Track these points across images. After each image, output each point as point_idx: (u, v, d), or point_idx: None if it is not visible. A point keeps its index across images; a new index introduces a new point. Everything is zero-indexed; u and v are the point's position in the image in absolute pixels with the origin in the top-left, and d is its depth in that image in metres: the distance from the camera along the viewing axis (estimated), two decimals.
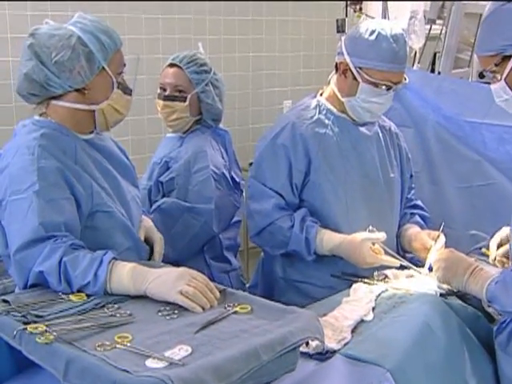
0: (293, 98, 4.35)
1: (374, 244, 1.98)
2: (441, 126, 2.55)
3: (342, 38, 2.11)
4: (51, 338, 1.25)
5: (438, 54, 3.66)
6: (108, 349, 1.24)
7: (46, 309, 1.39)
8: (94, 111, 1.71)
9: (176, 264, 1.66)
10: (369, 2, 3.97)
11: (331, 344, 1.50)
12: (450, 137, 2.53)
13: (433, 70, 3.74)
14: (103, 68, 1.68)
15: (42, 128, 1.65)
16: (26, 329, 1.28)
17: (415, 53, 3.52)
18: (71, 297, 1.46)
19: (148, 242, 1.88)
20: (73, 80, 1.65)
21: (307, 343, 1.46)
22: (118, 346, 1.25)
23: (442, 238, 2.04)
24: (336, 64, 2.09)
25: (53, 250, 1.48)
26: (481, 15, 3.27)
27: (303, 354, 1.45)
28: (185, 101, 2.32)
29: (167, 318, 1.39)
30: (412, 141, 2.52)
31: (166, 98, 2.34)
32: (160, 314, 1.40)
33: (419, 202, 2.34)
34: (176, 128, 2.39)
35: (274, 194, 2.08)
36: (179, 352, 1.22)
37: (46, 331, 1.27)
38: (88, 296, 1.47)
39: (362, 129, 2.16)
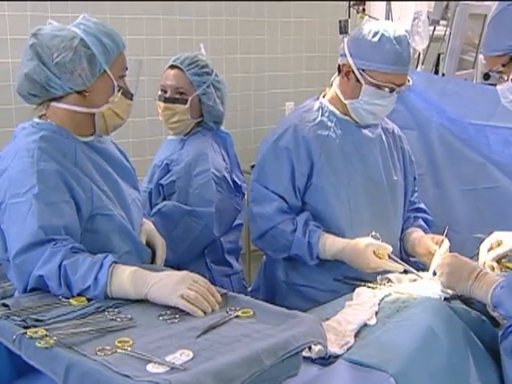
0: (295, 100, 4.33)
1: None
2: (445, 129, 2.54)
3: (345, 40, 2.10)
4: (51, 342, 1.24)
5: (441, 56, 3.65)
6: (108, 353, 1.23)
7: (46, 313, 1.38)
8: (94, 114, 1.70)
9: (177, 268, 1.65)
10: (372, 3, 3.95)
11: (334, 349, 1.49)
12: (454, 139, 2.52)
13: (437, 72, 3.72)
14: (105, 71, 1.67)
15: (41, 130, 1.64)
16: (25, 333, 1.27)
17: (419, 54, 3.51)
18: (71, 301, 1.45)
19: (149, 245, 1.86)
20: (74, 82, 1.65)
21: (310, 348, 1.45)
22: (118, 350, 1.24)
23: (446, 243, 2.03)
24: (339, 66, 2.08)
25: (53, 254, 1.47)
26: (485, 16, 3.27)
27: (306, 358, 1.44)
28: (186, 103, 2.31)
29: (168, 322, 1.38)
30: (416, 143, 2.51)
31: (167, 100, 2.33)
32: (161, 318, 1.39)
33: (422, 205, 2.33)
34: (177, 130, 2.38)
35: (277, 198, 2.07)
36: (180, 357, 1.21)
37: (46, 335, 1.26)
38: (88, 300, 1.46)
39: (365, 131, 2.15)
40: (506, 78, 1.67)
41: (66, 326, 1.32)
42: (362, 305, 1.71)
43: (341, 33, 3.72)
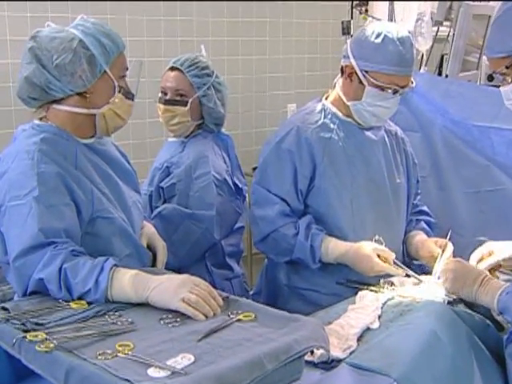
0: (297, 102, 4.32)
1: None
2: (448, 131, 2.53)
3: (348, 41, 2.09)
4: (51, 346, 1.23)
5: (445, 57, 3.63)
6: (109, 357, 1.22)
7: (46, 316, 1.37)
8: (94, 115, 1.69)
9: (177, 271, 1.65)
10: (375, 3, 3.94)
11: (336, 353, 1.49)
12: (458, 141, 2.51)
13: (440, 73, 3.71)
14: (105, 72, 1.66)
15: (41, 132, 1.64)
16: (25, 337, 1.27)
17: (422, 55, 3.49)
18: (72, 304, 1.44)
19: (150, 248, 1.86)
20: (74, 84, 1.64)
21: (312, 352, 1.44)
22: (119, 354, 1.23)
23: (450, 247, 2.02)
24: (341, 67, 2.08)
25: (53, 257, 1.46)
26: (489, 17, 3.25)
27: (308, 362, 1.43)
28: (186, 105, 2.30)
29: (169, 326, 1.37)
30: (419, 145, 2.50)
31: (167, 102, 2.32)
32: (162, 321, 1.39)
33: (425, 208, 2.32)
34: (177, 133, 2.37)
35: (279, 200, 2.06)
36: (182, 361, 1.21)
37: (46, 339, 1.25)
38: (89, 303, 1.45)
39: (368, 133, 2.14)
40: (509, 80, 1.66)
41: (67, 329, 1.31)
42: (364, 308, 1.70)
43: (343, 34, 3.71)
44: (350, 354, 1.50)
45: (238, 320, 1.40)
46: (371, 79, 1.99)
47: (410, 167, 2.25)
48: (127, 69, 1.73)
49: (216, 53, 4.00)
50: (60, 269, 1.45)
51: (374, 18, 3.55)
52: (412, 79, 2.05)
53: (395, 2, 3.41)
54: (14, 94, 1.70)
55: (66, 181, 1.58)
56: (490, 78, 1.68)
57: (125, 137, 3.58)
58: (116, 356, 1.22)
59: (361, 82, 2.01)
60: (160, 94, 2.36)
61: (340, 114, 2.12)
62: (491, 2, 3.35)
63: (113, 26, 1.73)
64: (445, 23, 3.51)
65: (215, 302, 1.44)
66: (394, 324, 1.62)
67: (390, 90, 2.00)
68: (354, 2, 3.72)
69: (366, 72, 2.00)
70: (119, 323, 1.37)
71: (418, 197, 2.31)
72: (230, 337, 1.31)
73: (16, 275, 1.52)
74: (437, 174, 2.54)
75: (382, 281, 1.89)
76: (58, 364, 1.20)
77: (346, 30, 3.69)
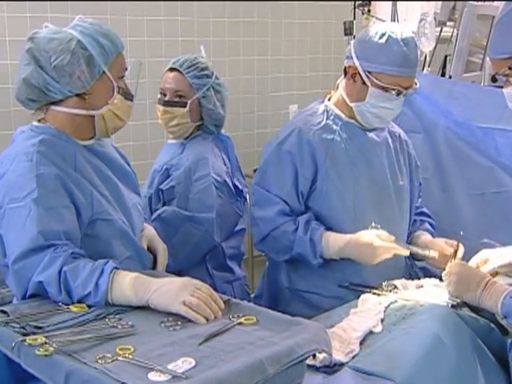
0: (299, 103, 4.31)
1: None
2: (452, 132, 2.52)
3: (351, 42, 2.09)
4: (51, 349, 1.23)
5: (448, 58, 3.62)
6: (109, 361, 1.21)
7: (46, 320, 1.37)
8: (93, 117, 1.69)
9: (178, 274, 1.64)
10: (377, 3, 3.93)
11: (339, 356, 1.48)
12: (462, 143, 2.49)
13: (443, 74, 3.70)
14: (104, 72, 1.65)
15: (40, 134, 1.63)
16: (24, 340, 1.26)
17: (425, 56, 3.48)
18: (71, 307, 1.44)
19: (150, 250, 1.85)
20: (73, 85, 1.63)
21: (314, 356, 1.44)
22: (119, 358, 1.23)
23: (462, 248, 2.00)
24: (345, 68, 2.07)
25: (52, 260, 1.46)
26: (493, 17, 3.24)
27: (310, 366, 1.43)
28: (185, 106, 2.29)
29: (170, 329, 1.36)
30: (422, 147, 2.49)
31: (166, 104, 2.31)
32: (163, 325, 1.38)
33: (425, 210, 2.31)
34: (176, 134, 2.36)
35: (279, 201, 2.04)
36: (183, 364, 1.20)
37: (45, 343, 1.25)
38: (89, 307, 1.44)
39: (371, 134, 2.13)
40: None
41: (66, 333, 1.31)
42: (367, 312, 1.70)
43: (345, 34, 3.70)
44: (353, 357, 1.50)
45: (240, 323, 1.39)
46: (375, 80, 1.98)
47: (412, 169, 2.23)
48: (126, 69, 1.72)
49: (217, 53, 3.99)
50: (60, 271, 1.44)
51: (377, 18, 3.54)
52: (416, 80, 2.04)
53: (398, 2, 3.41)
54: (13, 95, 1.69)
55: (65, 183, 1.57)
56: (494, 79, 1.66)
57: (125, 138, 3.57)
58: (116, 360, 1.22)
59: (364, 82, 2.00)
60: (159, 96, 2.35)
61: (343, 116, 2.11)
62: (495, 2, 3.35)
63: (113, 26, 1.72)
64: (448, 23, 3.50)
65: (216, 305, 1.43)
66: (396, 328, 1.61)
67: (393, 92, 1.99)
68: (357, 2, 3.71)
69: (370, 73, 1.99)
70: (119, 326, 1.36)
71: (420, 199, 2.30)
72: (232, 340, 1.31)
73: (15, 278, 1.51)
74: (440, 176, 2.53)
75: (384, 284, 1.89)
76: (58, 368, 1.20)
77: (348, 31, 3.69)
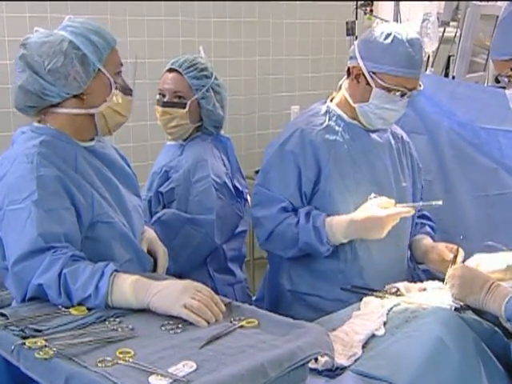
0: (301, 103, 4.30)
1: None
2: (455, 133, 2.50)
3: (355, 42, 2.07)
4: (51, 353, 1.22)
5: (452, 58, 3.60)
6: (109, 365, 1.21)
7: (46, 323, 1.36)
8: (93, 115, 1.68)
9: (179, 277, 1.64)
10: (380, 3, 3.92)
11: (341, 360, 1.48)
12: (465, 144, 2.48)
13: (447, 75, 3.68)
14: (99, 70, 1.64)
15: (41, 135, 1.62)
16: (24, 343, 1.25)
17: (428, 56, 3.46)
18: (71, 310, 1.43)
19: (151, 253, 1.84)
20: (69, 86, 1.62)
21: (316, 359, 1.43)
22: (119, 361, 1.22)
23: (462, 252, 1.99)
24: (348, 68, 2.06)
25: (52, 262, 1.45)
26: (497, 17, 3.21)
27: (312, 370, 1.43)
28: (184, 107, 2.28)
29: (171, 332, 1.36)
30: (425, 148, 2.48)
31: (165, 105, 2.30)
32: (163, 328, 1.37)
33: (426, 212, 2.30)
34: (175, 135, 2.34)
35: (283, 199, 2.03)
36: (183, 368, 1.20)
37: (45, 346, 1.24)
38: (89, 309, 1.44)
39: (374, 136, 2.12)
40: None
41: (66, 336, 1.30)
42: (369, 315, 1.68)
43: (348, 34, 3.70)
44: (355, 361, 1.49)
45: (241, 326, 1.38)
46: (379, 81, 1.97)
47: (415, 171, 2.22)
48: (122, 64, 1.70)
49: (218, 54, 3.99)
50: (60, 274, 1.44)
51: (380, 18, 3.53)
52: (420, 82, 2.03)
53: (401, 2, 3.40)
54: (12, 95, 1.68)
55: (65, 184, 1.56)
56: (498, 79, 1.66)
57: (125, 139, 3.57)
58: (116, 363, 1.21)
59: (368, 83, 1.99)
60: (158, 96, 2.33)
61: (345, 117, 2.10)
62: (499, 2, 3.33)
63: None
64: (451, 24, 3.49)
65: (217, 308, 1.42)
66: (399, 331, 1.60)
67: (397, 93, 1.98)
68: (359, 2, 3.71)
69: (374, 73, 1.98)
70: (120, 330, 1.35)
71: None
72: (233, 344, 1.30)
73: (15, 280, 1.50)
74: (443, 177, 2.52)
75: (387, 286, 1.88)
76: (58, 371, 1.19)
77: (350, 31, 3.68)
